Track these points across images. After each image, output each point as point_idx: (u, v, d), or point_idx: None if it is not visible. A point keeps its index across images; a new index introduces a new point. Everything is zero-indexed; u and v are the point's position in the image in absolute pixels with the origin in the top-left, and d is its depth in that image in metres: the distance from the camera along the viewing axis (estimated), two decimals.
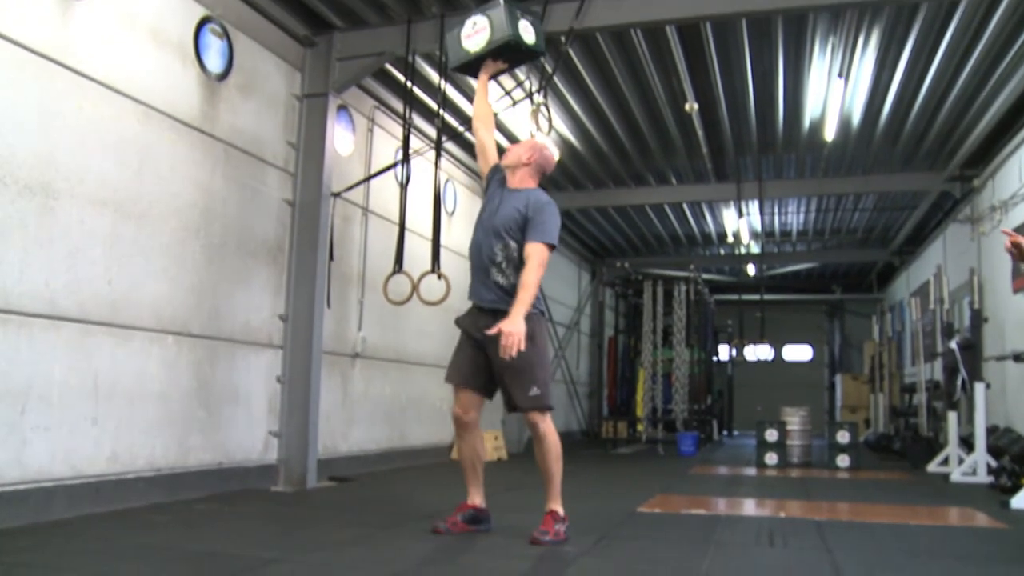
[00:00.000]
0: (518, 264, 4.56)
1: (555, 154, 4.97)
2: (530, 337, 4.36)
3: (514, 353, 4.22)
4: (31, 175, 4.75)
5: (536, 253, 4.47)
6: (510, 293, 4.49)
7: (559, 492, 4.54)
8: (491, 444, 10.26)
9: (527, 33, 5.18)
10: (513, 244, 4.58)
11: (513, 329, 4.22)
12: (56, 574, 3.56)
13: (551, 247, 4.54)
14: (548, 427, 4.51)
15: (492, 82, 8.69)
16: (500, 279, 4.58)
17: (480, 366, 4.63)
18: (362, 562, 3.98)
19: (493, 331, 4.29)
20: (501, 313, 4.42)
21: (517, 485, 7.20)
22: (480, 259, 4.66)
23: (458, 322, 4.79)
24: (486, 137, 5.08)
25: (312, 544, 4.38)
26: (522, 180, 4.78)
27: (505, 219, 4.61)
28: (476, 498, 4.75)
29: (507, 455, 10.71)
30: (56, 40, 4.95)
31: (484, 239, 4.66)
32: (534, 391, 4.46)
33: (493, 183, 4.90)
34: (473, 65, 5.23)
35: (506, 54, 5.20)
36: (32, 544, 4.14)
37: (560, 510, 4.50)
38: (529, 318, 4.39)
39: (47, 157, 4.86)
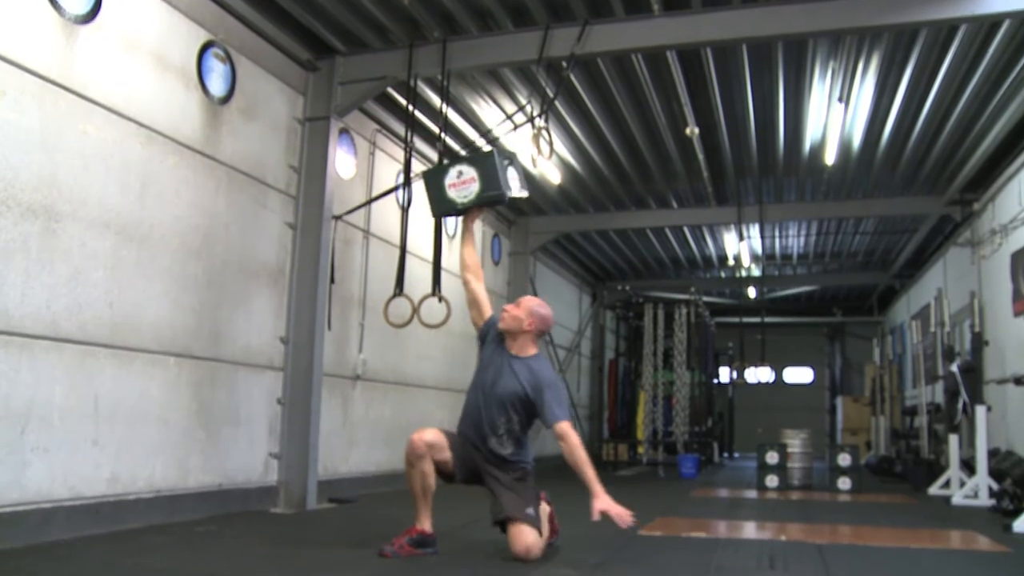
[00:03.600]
0: (518, 436, 4.79)
1: (550, 312, 5.00)
2: (523, 480, 4.78)
3: (631, 522, 4.48)
4: (34, 198, 4.78)
5: (569, 431, 4.62)
6: (506, 460, 4.77)
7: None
8: None
9: (514, 182, 5.20)
10: (516, 418, 4.76)
11: (615, 508, 4.46)
12: None
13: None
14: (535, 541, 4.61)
15: (494, 106, 8.79)
16: (497, 448, 4.78)
17: (468, 467, 4.85)
18: None
19: (596, 517, 4.45)
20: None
21: None
22: (479, 425, 4.81)
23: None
24: (477, 288, 5.11)
25: (312, 566, 4.38)
26: (522, 347, 4.85)
27: (509, 392, 4.74)
28: (425, 523, 4.77)
29: None
30: (60, 64, 4.99)
31: (485, 408, 4.78)
32: (530, 511, 4.65)
33: (491, 339, 4.96)
34: (458, 213, 5.26)
35: (491, 203, 5.28)
36: (30, 565, 4.13)
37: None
38: (522, 471, 4.80)
39: (50, 180, 4.89)
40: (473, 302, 5.10)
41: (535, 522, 4.63)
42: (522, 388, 4.70)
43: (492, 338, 4.94)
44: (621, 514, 4.43)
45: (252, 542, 5.31)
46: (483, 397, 4.80)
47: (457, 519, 6.01)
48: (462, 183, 5.10)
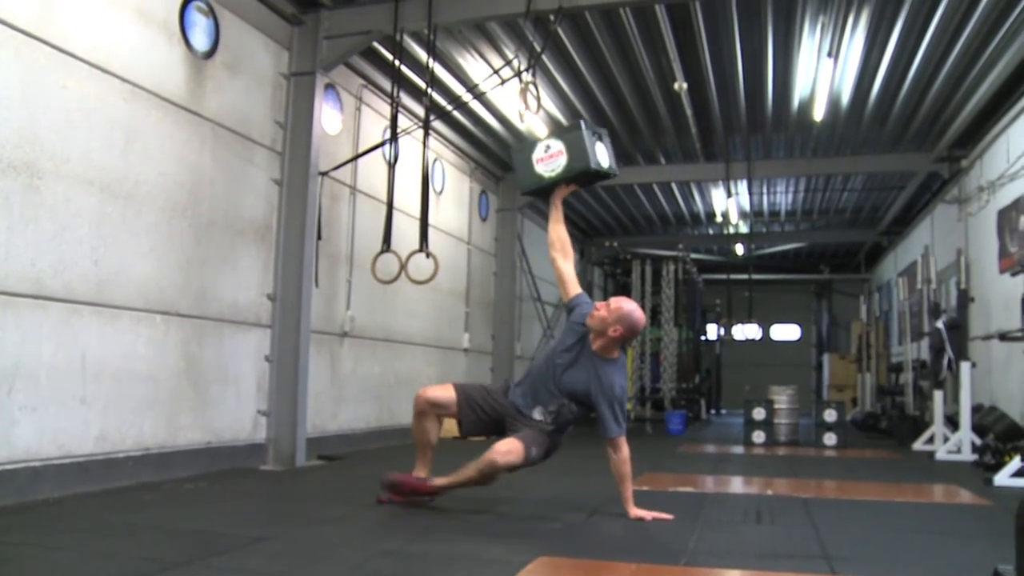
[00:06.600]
0: (566, 420, 4.77)
1: (641, 318, 4.78)
2: (546, 434, 4.74)
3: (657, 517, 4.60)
4: (15, 154, 4.71)
5: (624, 445, 4.65)
6: (539, 422, 4.73)
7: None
8: None
9: (603, 156, 5.05)
10: (573, 407, 4.74)
11: (652, 513, 4.59)
12: (46, 552, 3.56)
13: None
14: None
15: (481, 61, 8.68)
16: (538, 416, 4.75)
17: (484, 422, 4.88)
18: (350, 540, 3.99)
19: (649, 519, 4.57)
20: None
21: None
22: (535, 392, 4.81)
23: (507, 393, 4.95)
24: (564, 267, 5.03)
25: (300, 522, 4.40)
26: (605, 349, 4.69)
27: (574, 385, 4.70)
28: (422, 472, 4.87)
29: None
30: (38, 16, 4.88)
31: (552, 380, 4.75)
32: (533, 450, 4.60)
33: (575, 319, 4.86)
34: (546, 189, 5.13)
35: (581, 178, 5.12)
36: (21, 523, 4.14)
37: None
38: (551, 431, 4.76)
39: (31, 135, 4.82)
40: (561, 280, 5.05)
41: (529, 450, 4.57)
42: (588, 389, 4.66)
43: (578, 316, 4.84)
44: (659, 516, 4.58)
45: (242, 499, 5.34)
46: (551, 371, 4.76)
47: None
48: (549, 157, 5.01)
